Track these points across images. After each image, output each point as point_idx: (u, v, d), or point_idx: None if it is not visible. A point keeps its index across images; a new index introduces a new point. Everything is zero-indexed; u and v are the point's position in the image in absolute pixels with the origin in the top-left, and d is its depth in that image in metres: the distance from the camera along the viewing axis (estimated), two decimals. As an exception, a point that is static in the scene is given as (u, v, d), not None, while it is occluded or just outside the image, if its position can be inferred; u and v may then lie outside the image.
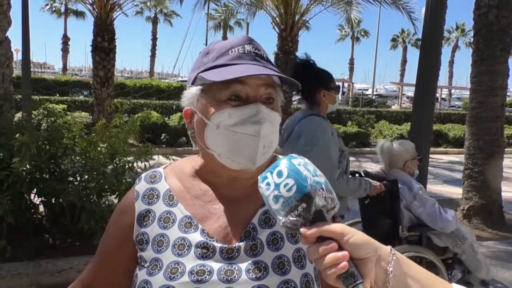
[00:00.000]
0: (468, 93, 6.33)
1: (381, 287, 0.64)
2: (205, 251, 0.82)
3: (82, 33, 20.25)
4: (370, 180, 2.73)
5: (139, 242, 0.87)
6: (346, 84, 36.37)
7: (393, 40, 49.45)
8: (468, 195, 5.65)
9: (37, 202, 3.88)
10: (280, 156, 0.85)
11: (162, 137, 10.34)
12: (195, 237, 0.84)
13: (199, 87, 0.87)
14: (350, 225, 3.24)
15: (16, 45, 21.89)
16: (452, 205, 5.51)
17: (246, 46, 0.87)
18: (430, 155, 5.12)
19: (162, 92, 19.34)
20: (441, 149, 13.27)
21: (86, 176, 3.77)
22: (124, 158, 3.92)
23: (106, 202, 3.79)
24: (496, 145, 5.54)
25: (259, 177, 0.69)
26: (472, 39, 6.11)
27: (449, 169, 9.91)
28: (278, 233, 0.86)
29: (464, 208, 5.60)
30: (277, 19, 12.24)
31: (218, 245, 0.83)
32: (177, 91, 19.61)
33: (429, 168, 4.78)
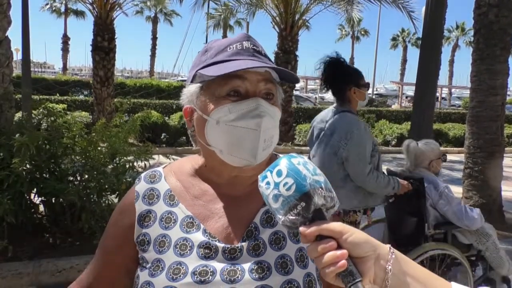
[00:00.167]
0: (468, 92, 6.33)
1: (380, 285, 0.64)
2: (208, 251, 0.82)
3: (82, 32, 20.27)
4: (398, 178, 2.80)
5: (140, 243, 0.86)
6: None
7: (393, 39, 49.44)
8: (468, 194, 5.66)
9: (37, 202, 3.89)
10: (280, 155, 0.85)
11: (162, 137, 10.34)
12: (197, 237, 0.83)
13: (198, 84, 0.87)
14: (374, 222, 3.31)
15: (16, 44, 21.91)
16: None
17: (244, 42, 0.86)
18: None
19: (162, 91, 19.33)
20: (441, 148, 13.21)
21: (86, 176, 3.78)
22: (125, 158, 3.92)
23: (107, 202, 3.79)
24: (496, 144, 5.54)
25: (259, 176, 0.69)
26: (472, 38, 6.11)
27: (449, 168, 9.90)
28: (280, 233, 0.85)
29: (464, 207, 5.60)
30: (277, 18, 12.24)
31: (220, 245, 0.82)
32: (177, 91, 19.58)
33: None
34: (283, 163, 0.67)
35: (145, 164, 4.04)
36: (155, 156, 4.76)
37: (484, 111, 5.49)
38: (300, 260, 0.84)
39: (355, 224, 2.75)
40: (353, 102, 2.77)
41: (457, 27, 44.51)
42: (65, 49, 43.70)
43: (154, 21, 44.41)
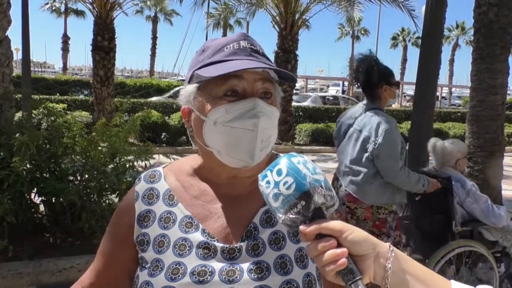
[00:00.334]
0: (469, 91, 6.33)
1: (380, 283, 0.64)
2: (207, 251, 0.82)
3: (82, 32, 20.28)
4: (427, 176, 2.85)
5: (139, 243, 0.86)
6: (346, 83, 36.36)
7: (394, 38, 49.38)
8: (468, 193, 5.65)
9: (38, 202, 3.89)
10: (281, 155, 0.86)
11: (163, 136, 10.34)
12: (196, 237, 0.83)
13: (195, 84, 0.87)
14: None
15: (16, 44, 21.91)
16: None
17: (241, 42, 0.86)
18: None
19: (162, 91, 19.34)
20: (442, 147, 13.26)
21: (87, 175, 3.78)
22: (125, 157, 3.92)
23: (107, 201, 3.80)
24: (496, 144, 5.53)
25: (259, 175, 0.70)
26: (472, 38, 6.10)
27: (449, 168, 9.91)
28: (280, 233, 0.85)
29: (465, 206, 5.61)
30: (277, 17, 12.24)
31: (219, 245, 0.82)
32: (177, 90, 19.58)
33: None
34: (283, 162, 0.67)
35: (145, 164, 4.04)
36: (155, 156, 4.75)
37: (484, 110, 5.48)
38: (300, 260, 0.83)
39: (385, 222, 2.81)
40: (383, 99, 2.85)
41: (457, 26, 44.50)
42: (65, 49, 43.68)
43: (154, 20, 44.41)
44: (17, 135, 3.46)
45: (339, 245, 0.63)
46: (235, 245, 0.83)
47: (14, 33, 4.62)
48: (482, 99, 5.49)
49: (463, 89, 35.54)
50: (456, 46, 45.99)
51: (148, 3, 30.26)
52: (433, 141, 3.36)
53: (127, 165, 3.90)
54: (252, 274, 0.79)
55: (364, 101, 2.92)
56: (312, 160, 0.70)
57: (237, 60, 0.83)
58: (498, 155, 5.55)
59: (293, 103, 13.31)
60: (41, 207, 3.97)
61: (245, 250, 0.82)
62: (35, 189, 3.71)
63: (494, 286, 3.02)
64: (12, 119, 4.22)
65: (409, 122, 6.86)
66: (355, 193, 2.78)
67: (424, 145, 4.35)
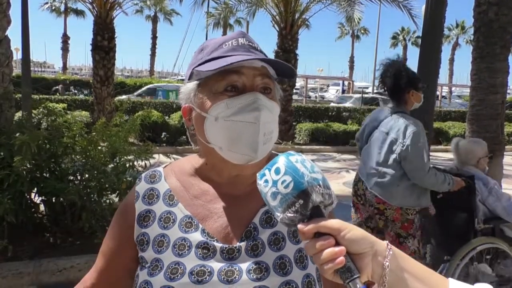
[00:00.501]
0: (469, 90, 6.33)
1: (378, 281, 0.64)
2: (206, 251, 0.82)
3: (82, 32, 20.26)
4: (451, 175, 2.91)
5: (139, 243, 0.86)
6: (346, 82, 36.37)
7: (394, 38, 49.36)
8: (468, 192, 5.65)
9: (38, 201, 3.89)
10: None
11: (163, 136, 10.35)
12: (196, 237, 0.83)
13: (196, 82, 0.87)
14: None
15: (15, 44, 21.90)
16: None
17: (239, 39, 0.86)
18: (431, 153, 5.11)
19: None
20: (442, 147, 13.27)
21: (87, 175, 3.78)
22: (125, 157, 3.92)
23: (107, 201, 3.80)
24: (496, 143, 5.52)
25: (257, 174, 0.70)
26: (472, 37, 6.10)
27: (449, 167, 9.91)
28: (280, 233, 0.85)
29: (465, 205, 5.60)
30: (277, 17, 12.24)
31: (218, 245, 0.82)
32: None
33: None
34: (281, 161, 0.67)
35: (145, 164, 4.04)
36: (156, 155, 4.76)
37: (484, 110, 5.49)
38: (300, 261, 0.83)
39: (412, 223, 2.85)
40: (409, 103, 2.93)
41: (457, 25, 44.47)
42: (65, 49, 43.70)
43: (154, 20, 44.42)
44: (17, 134, 3.46)
45: (337, 244, 0.63)
46: (235, 245, 0.82)
47: (13, 33, 4.63)
48: (482, 98, 5.49)
49: (463, 88, 35.50)
50: (456, 45, 45.98)
51: (148, 2, 30.22)
52: (456, 140, 3.43)
53: (127, 165, 3.90)
54: (251, 275, 0.79)
55: (390, 104, 3.00)
56: (312, 160, 0.70)
57: (236, 55, 0.83)
58: (498, 154, 5.55)
59: (333, 104, 13.30)
60: (41, 207, 3.97)
61: (244, 250, 0.82)
62: (35, 188, 3.71)
63: None
64: (12, 119, 4.22)
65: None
66: (381, 195, 2.83)
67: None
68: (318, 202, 0.65)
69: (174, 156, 8.54)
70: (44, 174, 3.72)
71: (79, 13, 39.40)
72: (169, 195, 0.90)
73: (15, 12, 4.78)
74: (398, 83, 2.86)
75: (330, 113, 15.06)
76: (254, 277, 0.79)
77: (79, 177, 3.84)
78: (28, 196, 3.69)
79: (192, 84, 0.87)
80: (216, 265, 0.80)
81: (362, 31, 48.90)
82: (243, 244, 0.83)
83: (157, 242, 0.85)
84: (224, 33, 28.63)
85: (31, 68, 8.46)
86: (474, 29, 5.75)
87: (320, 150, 11.76)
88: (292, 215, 0.65)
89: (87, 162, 3.78)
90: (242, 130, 0.81)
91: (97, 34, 11.31)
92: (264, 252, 0.82)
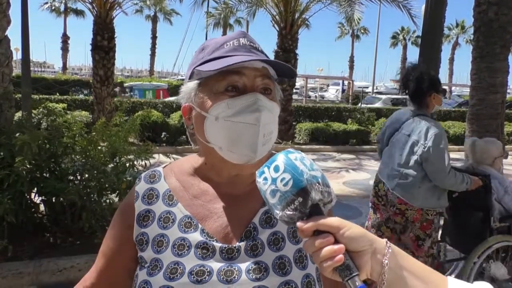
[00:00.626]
0: (468, 90, 6.33)
1: (377, 279, 0.64)
2: (205, 251, 0.82)
3: (82, 31, 20.18)
4: (469, 175, 2.96)
5: (139, 243, 0.86)
6: (346, 82, 36.35)
7: (393, 37, 49.39)
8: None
9: (38, 201, 3.89)
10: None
11: (163, 136, 10.34)
12: (195, 237, 0.83)
13: (196, 81, 0.87)
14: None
15: (15, 44, 21.91)
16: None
17: (241, 39, 0.87)
18: (430, 152, 5.11)
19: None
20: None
21: (87, 175, 3.78)
22: (125, 157, 3.92)
23: (107, 201, 3.80)
24: (496, 142, 5.53)
25: (256, 171, 0.70)
26: (472, 36, 6.10)
27: (449, 167, 9.92)
28: (280, 233, 0.85)
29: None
30: (277, 17, 12.24)
31: (218, 245, 0.82)
32: (177, 90, 19.55)
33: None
34: (280, 158, 0.67)
35: (145, 163, 4.04)
36: (155, 155, 4.76)
37: (484, 109, 5.49)
38: (299, 261, 0.83)
39: (432, 223, 2.90)
40: (431, 106, 2.99)
41: (457, 25, 44.48)
42: (64, 48, 43.70)
43: (154, 20, 44.42)
44: (17, 135, 3.46)
45: (337, 241, 0.63)
46: (234, 245, 0.82)
47: (13, 33, 4.63)
48: (482, 97, 5.49)
49: (463, 87, 35.50)
50: (456, 45, 45.99)
51: (148, 2, 30.25)
52: (471, 140, 3.49)
53: (127, 165, 3.90)
54: (250, 275, 0.79)
55: (411, 107, 3.06)
56: (312, 159, 0.70)
57: (237, 56, 0.83)
58: (498, 154, 5.55)
59: (363, 105, 13.31)
60: (41, 207, 3.97)
61: (243, 250, 0.82)
62: (35, 188, 3.71)
63: None
64: (12, 119, 4.22)
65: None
66: (403, 196, 2.89)
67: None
68: (317, 200, 0.65)
69: (174, 156, 8.54)
70: (44, 174, 3.71)
71: (79, 13, 39.42)
72: (169, 195, 0.90)
73: (15, 12, 4.78)
74: (420, 86, 2.92)
75: (330, 113, 15.07)
76: (254, 277, 0.79)
77: (79, 177, 3.83)
78: (28, 196, 3.69)
79: (193, 84, 0.87)
80: (215, 265, 0.80)
81: (362, 31, 48.90)
82: (242, 244, 0.83)
83: (156, 242, 0.85)
84: (224, 33, 28.64)
85: (31, 68, 8.45)
86: (474, 28, 5.75)
87: (320, 150, 11.76)
88: (291, 212, 0.65)
89: (87, 162, 3.78)
90: (242, 131, 0.81)
91: (97, 34, 11.30)
92: (264, 252, 0.82)
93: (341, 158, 10.83)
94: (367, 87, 38.48)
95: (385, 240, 0.67)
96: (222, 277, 0.79)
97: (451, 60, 46.47)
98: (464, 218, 3.24)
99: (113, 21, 11.67)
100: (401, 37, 48.59)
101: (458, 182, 2.84)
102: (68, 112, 5.98)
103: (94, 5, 11.52)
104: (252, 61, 0.82)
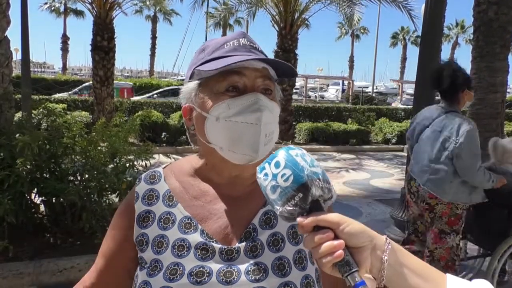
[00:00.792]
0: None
1: (376, 275, 0.64)
2: (205, 252, 0.82)
3: (82, 32, 20.20)
4: (494, 173, 3.00)
5: (139, 243, 0.86)
6: (346, 82, 36.39)
7: (393, 37, 49.42)
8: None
9: (38, 202, 3.89)
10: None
11: (163, 136, 10.35)
12: (195, 238, 0.83)
13: (196, 81, 0.87)
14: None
15: (15, 44, 21.90)
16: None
17: (241, 39, 0.87)
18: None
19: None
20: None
21: (87, 175, 3.78)
22: (125, 157, 3.92)
23: (107, 201, 3.80)
24: (496, 142, 5.53)
25: (257, 167, 0.70)
26: (472, 36, 6.11)
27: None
28: (279, 234, 0.85)
29: (465, 204, 5.61)
30: (276, 17, 12.25)
31: (217, 246, 0.82)
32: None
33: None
34: (281, 154, 0.67)
35: (145, 164, 4.04)
36: (156, 156, 4.76)
37: (484, 109, 5.50)
38: (299, 262, 0.83)
39: (460, 218, 2.94)
40: (462, 103, 3.04)
41: (457, 24, 44.48)
42: (64, 49, 43.75)
43: (154, 20, 44.47)
44: (17, 135, 3.46)
45: (336, 237, 0.63)
46: (234, 246, 0.82)
47: (13, 33, 4.64)
48: (482, 97, 5.51)
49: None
50: (455, 44, 45.98)
51: (148, 2, 30.30)
52: (494, 140, 3.52)
53: (127, 165, 3.90)
54: (250, 276, 0.79)
55: (442, 104, 3.09)
56: (312, 159, 0.70)
57: (237, 56, 0.83)
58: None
59: (402, 105, 13.21)
60: (41, 207, 3.97)
61: (243, 252, 0.82)
62: (35, 189, 3.71)
63: None
64: (12, 120, 4.23)
65: (409, 121, 6.86)
66: (433, 191, 2.93)
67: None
68: (317, 196, 0.66)
69: (174, 156, 8.54)
70: (44, 175, 3.71)
71: (78, 13, 39.45)
72: (169, 195, 0.89)
73: (14, 13, 4.79)
74: (454, 82, 2.96)
75: (330, 113, 15.08)
76: (253, 278, 0.79)
77: (79, 178, 3.83)
78: (28, 197, 3.69)
79: (193, 84, 0.87)
80: (215, 266, 0.80)
81: (362, 31, 48.94)
82: (242, 245, 0.83)
83: (156, 242, 0.85)
84: (224, 33, 28.67)
85: (31, 69, 8.46)
86: (474, 28, 5.76)
87: (320, 150, 11.76)
88: (291, 208, 0.65)
89: (87, 163, 3.78)
90: (243, 131, 0.81)
91: (97, 34, 11.31)
92: (263, 253, 0.82)
93: (341, 158, 10.83)
94: (367, 87, 38.51)
95: (385, 236, 0.67)
96: (221, 278, 0.79)
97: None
98: (488, 216, 3.27)
99: (113, 21, 11.67)
100: (401, 36, 48.63)
101: (485, 179, 2.88)
102: (68, 112, 5.99)
103: (93, 5, 11.52)
104: (253, 61, 0.82)
